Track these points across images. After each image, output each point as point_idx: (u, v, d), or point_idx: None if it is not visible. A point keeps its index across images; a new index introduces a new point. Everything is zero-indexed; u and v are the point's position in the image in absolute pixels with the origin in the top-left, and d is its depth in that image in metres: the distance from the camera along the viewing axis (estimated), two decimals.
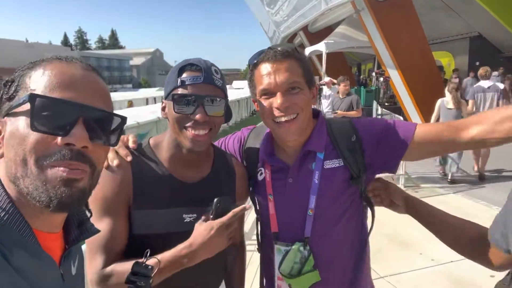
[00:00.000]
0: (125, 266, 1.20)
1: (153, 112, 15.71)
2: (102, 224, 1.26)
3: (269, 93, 1.39)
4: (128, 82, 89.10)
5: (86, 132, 0.77)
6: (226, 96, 1.38)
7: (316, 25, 18.27)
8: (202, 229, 1.25)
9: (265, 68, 1.40)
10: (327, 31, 17.18)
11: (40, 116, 0.73)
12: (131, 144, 1.39)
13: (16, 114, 0.75)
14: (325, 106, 10.24)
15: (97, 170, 0.82)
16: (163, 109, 1.37)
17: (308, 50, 16.08)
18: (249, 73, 1.49)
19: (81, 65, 0.83)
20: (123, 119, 0.87)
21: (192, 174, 1.41)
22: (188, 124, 1.29)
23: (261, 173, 1.56)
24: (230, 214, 1.27)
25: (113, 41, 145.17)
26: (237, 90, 34.20)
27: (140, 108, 19.31)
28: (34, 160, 0.73)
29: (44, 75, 0.77)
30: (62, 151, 0.74)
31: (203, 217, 1.30)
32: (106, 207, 1.28)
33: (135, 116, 14.45)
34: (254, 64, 1.45)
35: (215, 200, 1.29)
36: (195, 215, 1.36)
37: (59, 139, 0.74)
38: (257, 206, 1.64)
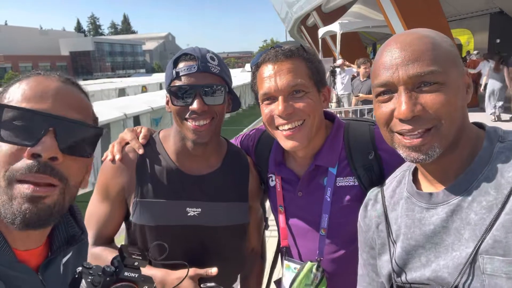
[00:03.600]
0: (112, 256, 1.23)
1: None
2: (100, 206, 1.34)
3: (270, 98, 1.26)
4: (141, 67, 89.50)
5: (56, 142, 0.74)
6: (227, 83, 1.31)
7: (330, 4, 17.86)
8: (175, 276, 1.19)
9: (266, 70, 1.26)
10: (341, 10, 16.80)
11: (7, 127, 0.72)
12: (140, 139, 1.37)
13: None
14: (339, 88, 10.12)
15: (70, 183, 0.78)
16: (167, 103, 1.33)
17: (321, 31, 15.80)
18: (252, 76, 1.36)
19: (59, 78, 0.82)
20: (99, 130, 0.84)
21: (199, 167, 1.37)
22: (188, 116, 1.25)
23: (272, 180, 1.46)
24: None
25: (126, 26, 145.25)
26: (250, 73, 33.91)
27: (154, 93, 19.41)
28: (3, 173, 0.72)
29: (19, 88, 0.77)
30: (29, 163, 0.72)
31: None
32: (105, 193, 1.34)
33: (149, 101, 14.55)
34: (255, 65, 1.32)
35: (214, 284, 1.21)
36: (199, 209, 1.32)
37: (27, 150, 0.72)
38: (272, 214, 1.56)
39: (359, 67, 8.42)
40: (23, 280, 0.77)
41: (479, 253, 0.80)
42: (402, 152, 0.91)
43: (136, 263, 0.90)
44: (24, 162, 0.72)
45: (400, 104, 0.86)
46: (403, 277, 0.97)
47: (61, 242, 0.89)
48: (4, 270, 0.73)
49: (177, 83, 1.25)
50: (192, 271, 1.19)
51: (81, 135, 0.80)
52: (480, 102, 10.76)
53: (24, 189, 0.71)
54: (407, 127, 0.87)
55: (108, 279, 0.84)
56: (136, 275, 0.90)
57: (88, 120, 0.84)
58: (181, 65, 1.26)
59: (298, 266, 1.34)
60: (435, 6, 10.37)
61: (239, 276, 1.53)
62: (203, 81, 1.24)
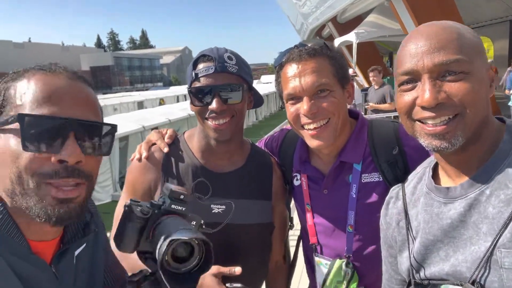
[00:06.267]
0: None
1: (184, 109, 15.98)
2: None
3: (295, 97, 1.28)
4: (159, 81, 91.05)
5: (78, 146, 0.77)
6: (245, 81, 1.34)
7: (346, 15, 17.84)
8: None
9: (290, 70, 1.28)
10: (356, 20, 16.75)
11: (30, 135, 0.73)
12: (166, 139, 1.42)
13: (5, 131, 0.76)
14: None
15: (93, 180, 0.83)
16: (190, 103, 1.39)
17: (337, 41, 15.75)
18: (276, 75, 1.38)
19: (66, 74, 0.82)
20: (113, 127, 0.87)
21: (223, 165, 1.40)
22: (208, 115, 1.29)
23: (297, 179, 1.47)
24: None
25: (144, 41, 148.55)
26: (266, 85, 34.20)
27: (171, 106, 19.71)
28: (30, 178, 0.74)
29: (29, 89, 0.77)
30: (56, 169, 0.75)
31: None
32: (132, 191, 1.37)
33: (166, 113, 14.76)
34: (279, 65, 1.34)
35: (241, 285, 1.21)
36: (223, 206, 1.34)
37: (52, 157, 0.75)
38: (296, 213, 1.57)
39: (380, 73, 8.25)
40: (36, 272, 0.79)
41: (497, 247, 0.80)
42: (423, 140, 0.90)
43: (182, 196, 0.93)
44: (52, 168, 0.75)
45: (423, 91, 0.85)
46: (421, 273, 0.96)
47: (74, 232, 0.91)
48: (18, 261, 0.75)
49: (197, 84, 1.30)
50: (215, 268, 1.20)
51: (99, 134, 0.83)
52: (501, 110, 10.51)
53: (55, 192, 0.75)
54: (429, 114, 0.86)
55: (156, 211, 0.88)
56: (184, 208, 0.93)
57: (99, 116, 0.86)
58: (200, 66, 1.30)
59: (328, 262, 1.35)
60: (453, 14, 10.22)
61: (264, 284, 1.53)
62: (220, 81, 1.27)
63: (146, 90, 59.99)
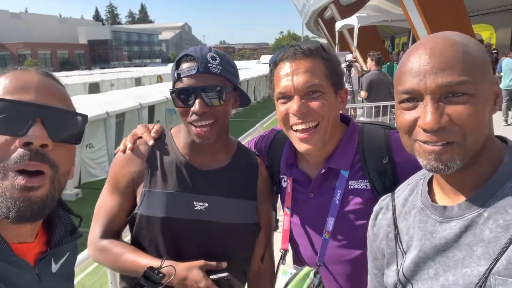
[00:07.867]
0: (120, 249, 1.31)
1: None
2: (109, 199, 1.36)
3: (286, 96, 1.25)
4: (157, 57, 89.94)
5: (45, 130, 0.77)
6: (230, 81, 1.31)
7: None
8: (184, 266, 1.22)
9: (284, 68, 1.25)
10: (359, 3, 16.54)
11: None
12: (152, 133, 1.41)
13: None
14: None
15: (60, 171, 0.81)
16: None
17: (339, 24, 15.62)
18: (269, 74, 1.35)
19: (36, 71, 0.85)
20: (84, 117, 0.87)
21: (208, 162, 1.39)
22: (190, 117, 1.27)
23: (284, 181, 1.45)
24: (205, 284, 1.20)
25: (143, 16, 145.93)
26: (265, 65, 33.84)
27: (169, 84, 19.52)
28: None
29: (0, 83, 0.79)
30: (20, 152, 0.74)
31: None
32: (114, 184, 1.36)
33: (163, 91, 14.65)
34: (274, 63, 1.31)
35: (227, 274, 1.23)
36: (206, 204, 1.33)
37: (17, 140, 0.75)
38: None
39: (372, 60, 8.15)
40: (19, 273, 0.79)
41: (491, 274, 0.77)
42: (422, 160, 0.87)
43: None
44: (16, 151, 0.74)
45: (425, 114, 0.81)
46: None
47: (60, 236, 0.91)
48: (2, 265, 0.75)
49: (179, 85, 1.27)
50: (202, 261, 1.22)
51: (68, 123, 0.83)
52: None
53: (17, 181, 0.73)
54: (430, 138, 0.82)
55: None
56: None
57: (70, 107, 0.87)
58: (183, 66, 1.27)
59: (294, 271, 1.30)
60: (457, 1, 10.11)
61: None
62: (203, 82, 1.24)
63: (144, 66, 59.25)
